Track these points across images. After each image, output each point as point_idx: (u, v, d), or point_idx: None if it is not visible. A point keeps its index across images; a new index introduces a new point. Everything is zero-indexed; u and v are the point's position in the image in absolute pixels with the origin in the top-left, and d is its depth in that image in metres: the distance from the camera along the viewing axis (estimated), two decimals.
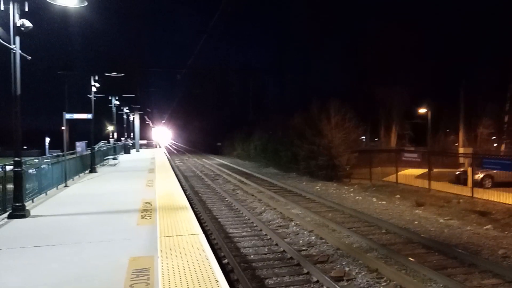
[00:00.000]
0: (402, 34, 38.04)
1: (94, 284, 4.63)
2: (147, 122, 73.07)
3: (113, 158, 25.73)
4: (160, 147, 60.87)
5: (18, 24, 8.26)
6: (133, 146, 40.58)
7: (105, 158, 24.88)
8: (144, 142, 53.42)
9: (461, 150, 31.47)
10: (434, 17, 40.39)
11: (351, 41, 45.44)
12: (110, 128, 44.64)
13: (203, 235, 6.79)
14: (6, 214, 8.45)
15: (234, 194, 20.69)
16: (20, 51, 8.44)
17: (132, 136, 46.14)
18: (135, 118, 41.72)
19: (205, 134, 76.82)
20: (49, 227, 7.56)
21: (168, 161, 28.24)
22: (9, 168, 8.78)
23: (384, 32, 38.54)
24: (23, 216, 8.37)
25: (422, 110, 34.49)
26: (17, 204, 8.41)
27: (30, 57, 8.99)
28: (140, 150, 42.48)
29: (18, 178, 8.46)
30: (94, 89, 18.41)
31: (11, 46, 8.27)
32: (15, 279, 4.82)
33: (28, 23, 8.33)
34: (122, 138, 38.89)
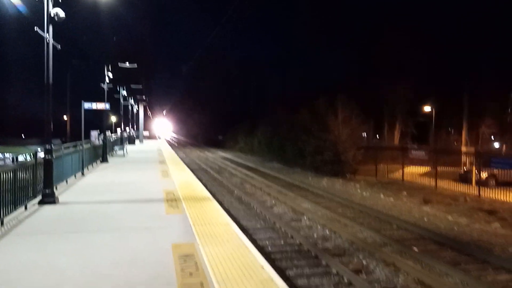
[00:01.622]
0: (405, 31, 38.22)
1: (148, 266, 4.87)
2: (148, 114, 73.07)
3: (120, 149, 25.93)
4: (160, 138, 61.03)
5: (52, 14, 8.42)
6: (137, 137, 40.73)
7: (113, 148, 25.06)
8: (146, 133, 53.60)
9: (463, 149, 31.78)
10: (438, 16, 40.57)
11: (355, 37, 45.61)
12: (114, 119, 44.75)
13: (235, 224, 7.03)
14: (36, 200, 8.66)
15: (242, 188, 20.93)
16: (52, 41, 8.61)
17: (135, 127, 46.24)
18: (140, 110, 41.85)
19: (206, 127, 76.95)
20: (82, 214, 7.78)
21: (175, 154, 28.45)
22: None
23: (388, 29, 38.70)
24: (53, 202, 8.59)
25: (426, 108, 34.76)
26: (47, 191, 8.63)
27: (59, 46, 9.16)
28: (144, 141, 42.65)
29: (48, 165, 8.67)
30: (107, 79, 18.54)
31: (44, 35, 8.44)
32: (71, 261, 5.05)
33: (61, 13, 8.50)
34: (127, 129, 39.05)
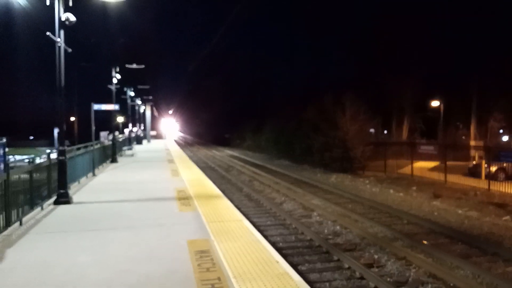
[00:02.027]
0: (413, 26, 38.01)
1: (165, 262, 4.99)
2: (155, 114, 73.35)
3: (129, 149, 26.16)
4: (167, 138, 61.31)
5: (63, 19, 8.56)
6: (144, 137, 41.02)
7: (122, 148, 25.30)
8: (153, 133, 53.90)
9: (472, 143, 31.65)
10: (445, 9, 40.28)
11: (361, 33, 45.43)
12: (120, 119, 45.08)
13: (247, 221, 7.14)
14: (51, 200, 8.83)
15: (251, 185, 21.03)
16: (64, 44, 8.77)
17: (142, 127, 46.51)
18: (147, 110, 42.13)
19: (213, 126, 77.20)
20: (97, 213, 7.94)
21: (183, 153, 28.64)
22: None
23: (395, 23, 38.48)
24: (68, 202, 8.76)
25: (434, 103, 34.65)
26: (62, 191, 8.80)
27: (70, 50, 9.31)
28: (151, 141, 42.95)
29: (62, 166, 8.84)
30: (115, 80, 18.74)
31: (56, 39, 8.59)
32: (91, 257, 5.20)
33: (72, 17, 8.64)
34: (135, 129, 39.38)
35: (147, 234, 6.32)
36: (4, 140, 6.60)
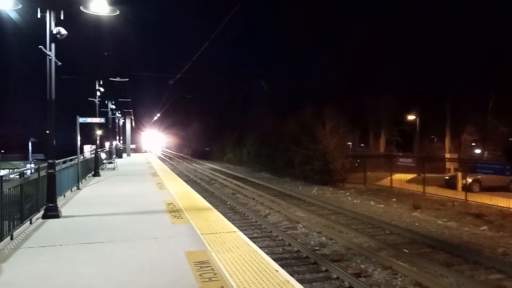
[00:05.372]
0: (389, 41, 39.24)
1: (167, 273, 5.07)
2: (133, 127, 72.47)
3: (109, 162, 25.83)
4: (146, 152, 60.69)
5: (54, 32, 8.60)
6: (124, 150, 40.55)
7: (103, 161, 24.96)
8: (133, 146, 53.30)
9: (447, 155, 32.63)
10: (421, 26, 41.74)
11: (341, 45, 46.55)
12: (99, 132, 44.41)
13: (241, 232, 7.26)
14: (39, 214, 8.73)
15: (234, 198, 21.14)
16: (54, 58, 8.78)
17: (121, 141, 45.93)
18: (127, 123, 41.72)
19: (193, 139, 76.84)
20: (89, 226, 7.91)
21: (165, 166, 28.49)
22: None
23: (372, 39, 39.60)
24: (57, 216, 8.67)
25: (411, 117, 35.68)
26: (50, 205, 8.71)
27: (60, 63, 9.31)
28: (131, 154, 42.48)
29: (52, 179, 8.78)
30: (98, 93, 18.64)
31: (47, 53, 8.61)
32: (93, 269, 5.23)
33: (63, 31, 8.68)
34: (114, 142, 38.88)
35: (144, 246, 6.37)
36: None
